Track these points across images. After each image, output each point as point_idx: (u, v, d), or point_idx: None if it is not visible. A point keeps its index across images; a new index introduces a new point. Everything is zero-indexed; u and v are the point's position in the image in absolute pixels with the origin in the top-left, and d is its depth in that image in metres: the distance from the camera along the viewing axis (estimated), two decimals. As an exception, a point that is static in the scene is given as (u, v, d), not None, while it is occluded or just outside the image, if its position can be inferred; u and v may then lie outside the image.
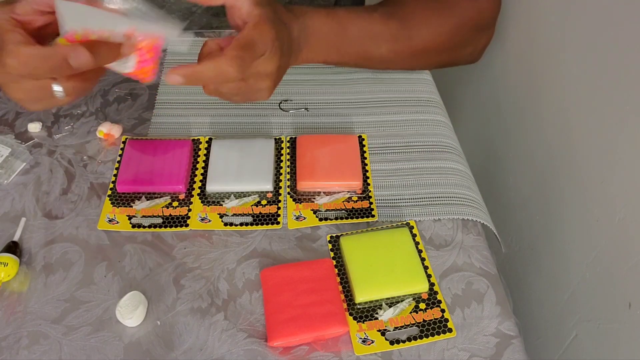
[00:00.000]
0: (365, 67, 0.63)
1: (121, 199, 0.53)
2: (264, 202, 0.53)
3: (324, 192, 0.54)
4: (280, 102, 0.63)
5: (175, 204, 0.53)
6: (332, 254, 0.50)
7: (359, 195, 0.54)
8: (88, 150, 0.58)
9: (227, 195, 0.54)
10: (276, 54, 0.47)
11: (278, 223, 0.52)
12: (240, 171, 0.54)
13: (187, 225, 0.52)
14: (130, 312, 0.45)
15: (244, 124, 0.60)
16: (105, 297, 0.47)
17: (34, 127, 0.59)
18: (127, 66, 0.46)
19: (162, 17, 0.45)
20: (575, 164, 0.59)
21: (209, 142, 0.58)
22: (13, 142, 0.57)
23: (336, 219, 0.52)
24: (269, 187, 0.54)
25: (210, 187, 0.54)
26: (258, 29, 0.46)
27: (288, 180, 0.55)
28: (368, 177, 0.56)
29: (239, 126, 0.60)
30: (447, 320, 0.46)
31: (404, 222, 0.52)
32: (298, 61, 0.55)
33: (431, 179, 0.56)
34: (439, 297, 0.47)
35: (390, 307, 0.47)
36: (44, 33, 0.46)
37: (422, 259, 0.50)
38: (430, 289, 0.48)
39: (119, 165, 0.55)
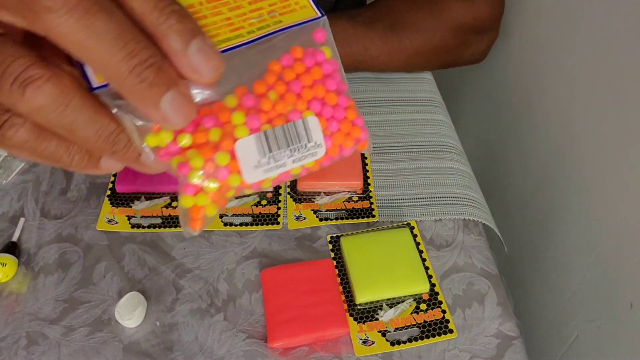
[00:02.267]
0: (362, 71, 0.63)
1: (120, 199, 0.53)
2: (263, 202, 0.53)
3: (324, 192, 0.54)
4: (280, 102, 0.62)
5: (174, 204, 0.53)
6: (332, 255, 0.50)
7: (360, 195, 0.54)
8: (87, 150, 0.58)
9: (226, 195, 0.54)
10: None
11: (278, 223, 0.52)
12: (240, 171, 0.54)
13: (186, 226, 0.51)
14: (130, 313, 0.44)
15: (244, 124, 0.60)
16: (104, 298, 0.47)
17: None
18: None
19: None
20: (576, 164, 0.59)
21: (209, 141, 0.58)
22: (12, 142, 0.57)
23: (336, 219, 0.52)
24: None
25: (210, 187, 0.53)
26: None
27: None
28: (368, 177, 0.55)
29: (239, 126, 0.60)
30: (448, 321, 0.46)
31: (405, 222, 0.52)
32: None
33: (432, 178, 0.55)
34: (439, 297, 0.47)
35: (390, 307, 0.46)
36: None
37: (423, 260, 0.49)
38: (431, 290, 0.47)
39: (118, 165, 0.55)
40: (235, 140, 0.24)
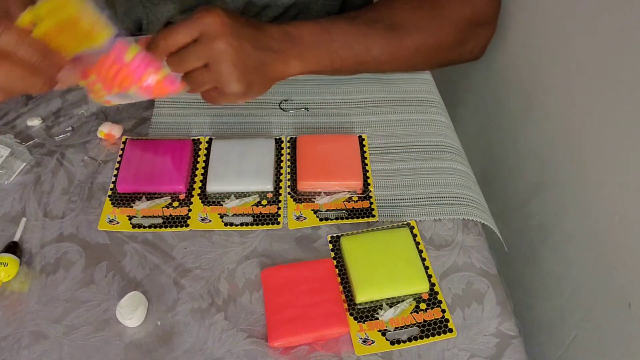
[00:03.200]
0: (364, 72, 0.63)
1: (121, 199, 0.53)
2: (264, 202, 0.53)
3: (325, 192, 0.54)
4: (280, 102, 0.63)
5: (175, 204, 0.53)
6: (332, 254, 0.50)
7: (360, 195, 0.54)
8: (89, 150, 0.58)
9: (227, 195, 0.54)
10: (224, 34, 0.47)
11: (278, 223, 0.52)
12: (240, 171, 0.54)
13: (187, 226, 0.52)
14: (131, 313, 0.45)
15: (244, 124, 0.60)
16: (105, 297, 0.47)
17: (34, 122, 0.59)
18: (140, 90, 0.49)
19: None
20: (575, 164, 0.59)
21: (209, 142, 0.58)
22: (13, 143, 0.57)
23: (337, 219, 0.52)
24: (269, 187, 0.54)
25: (211, 187, 0.54)
26: (188, 18, 0.48)
27: (288, 180, 0.55)
28: (368, 177, 0.56)
29: (239, 126, 0.60)
30: (447, 321, 0.46)
31: (405, 222, 0.52)
32: (289, 70, 0.54)
33: (432, 179, 0.56)
34: (439, 297, 0.47)
35: (390, 307, 0.46)
36: None
37: (423, 259, 0.50)
38: (431, 289, 0.48)
39: (119, 166, 0.55)
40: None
